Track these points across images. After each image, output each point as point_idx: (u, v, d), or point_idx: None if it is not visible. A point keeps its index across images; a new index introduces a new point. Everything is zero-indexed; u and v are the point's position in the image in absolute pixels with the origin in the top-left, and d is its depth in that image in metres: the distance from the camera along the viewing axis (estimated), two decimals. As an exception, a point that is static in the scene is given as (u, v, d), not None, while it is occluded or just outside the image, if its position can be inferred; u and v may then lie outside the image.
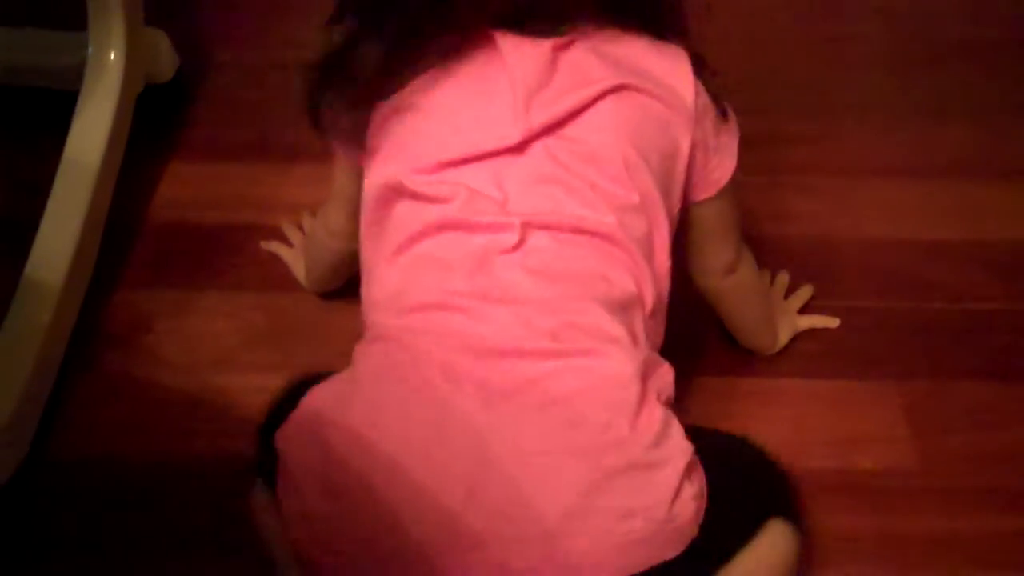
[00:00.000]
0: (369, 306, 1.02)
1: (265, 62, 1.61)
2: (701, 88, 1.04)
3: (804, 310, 1.31)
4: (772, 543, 0.98)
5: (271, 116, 1.53)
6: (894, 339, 1.30)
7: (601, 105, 1.00)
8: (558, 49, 1.01)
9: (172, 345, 1.27)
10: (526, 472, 0.89)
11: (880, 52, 1.69)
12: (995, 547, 1.13)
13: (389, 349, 0.96)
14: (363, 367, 0.97)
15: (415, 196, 1.00)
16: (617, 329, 0.95)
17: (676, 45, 1.04)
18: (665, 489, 0.89)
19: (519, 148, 0.99)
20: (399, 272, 1.00)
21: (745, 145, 1.08)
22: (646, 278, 0.99)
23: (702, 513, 0.91)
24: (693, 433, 0.95)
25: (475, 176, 0.99)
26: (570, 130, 1.00)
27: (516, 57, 1.00)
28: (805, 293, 1.32)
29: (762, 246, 1.27)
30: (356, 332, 1.04)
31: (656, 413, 0.92)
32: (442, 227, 0.98)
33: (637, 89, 1.01)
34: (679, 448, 0.91)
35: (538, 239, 0.97)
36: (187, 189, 1.45)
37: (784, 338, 1.27)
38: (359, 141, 1.05)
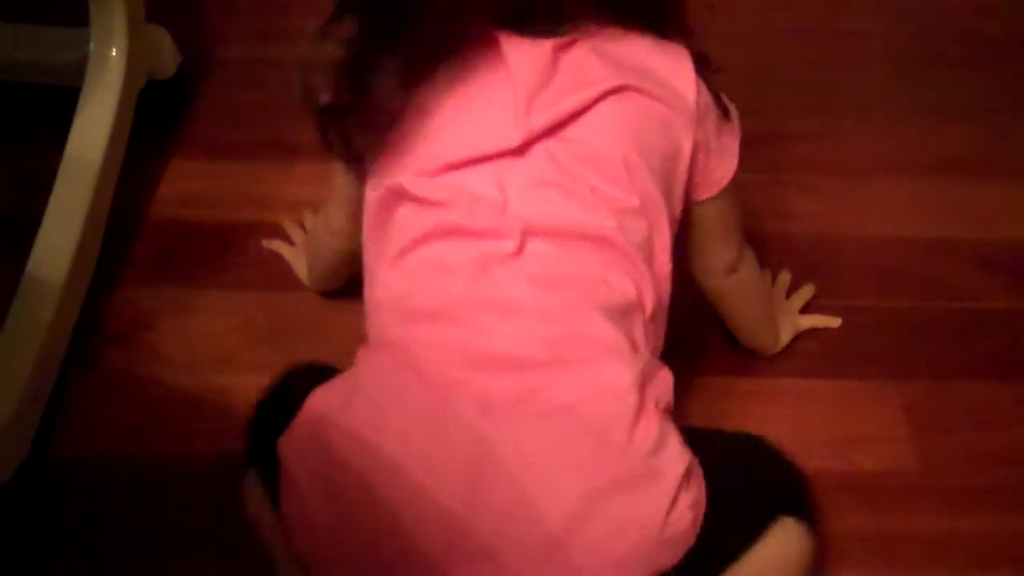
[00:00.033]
0: (372, 309, 1.02)
1: (267, 60, 1.61)
2: (703, 87, 1.04)
3: (805, 309, 1.31)
4: (781, 541, 0.98)
5: (273, 114, 1.53)
6: (894, 338, 1.30)
7: (602, 106, 1.00)
8: (559, 49, 1.00)
9: (173, 343, 1.27)
10: (526, 477, 0.89)
11: (881, 51, 1.69)
12: (995, 547, 1.13)
13: (391, 358, 0.96)
14: (365, 372, 0.97)
15: (416, 200, 1.00)
16: (616, 337, 0.95)
17: (678, 44, 1.04)
18: (661, 500, 0.89)
19: (520, 150, 0.99)
20: (401, 277, 1.00)
21: (746, 144, 1.08)
22: (646, 282, 0.99)
23: (700, 520, 0.91)
24: (699, 434, 0.96)
25: (476, 179, 0.98)
26: (571, 132, 0.99)
27: (517, 58, 1.00)
28: (807, 292, 1.32)
29: (763, 244, 1.27)
30: (358, 331, 1.05)
31: (653, 423, 0.92)
32: (443, 233, 0.98)
33: (638, 90, 1.01)
34: (676, 457, 0.91)
35: (537, 245, 0.97)
36: (189, 186, 1.45)
37: (786, 338, 1.27)
38: (370, 157, 1.05)
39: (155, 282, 1.34)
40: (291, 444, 0.96)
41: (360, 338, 1.04)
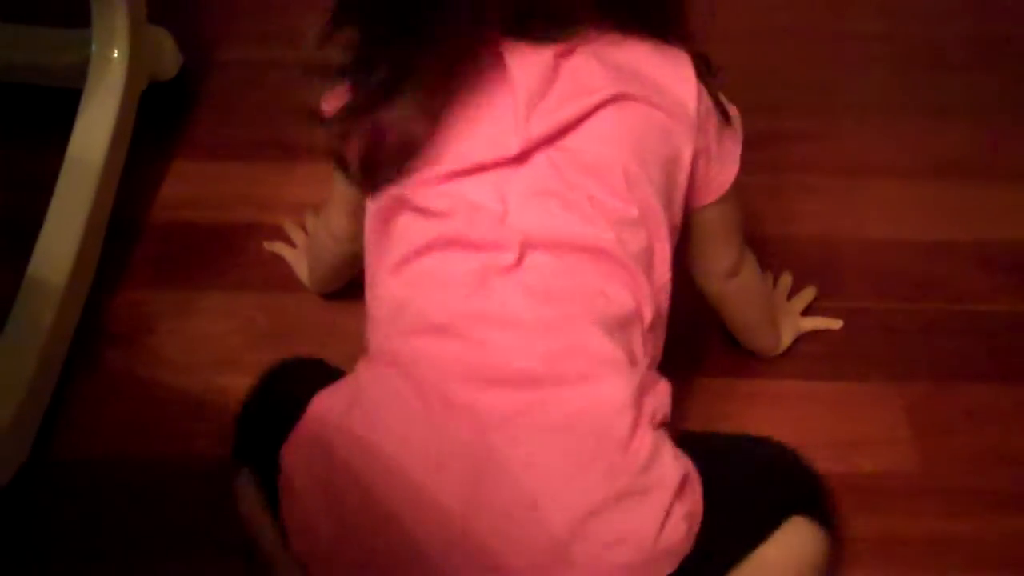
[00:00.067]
0: (372, 317, 1.03)
1: (269, 61, 1.61)
2: (704, 93, 1.03)
3: (806, 311, 1.31)
4: (792, 541, 0.98)
5: (274, 115, 1.52)
6: (895, 340, 1.30)
7: (602, 114, 0.99)
8: (560, 56, 1.00)
9: (174, 345, 1.27)
10: (528, 483, 0.90)
11: (882, 52, 1.69)
12: (996, 548, 1.13)
13: (391, 368, 0.96)
14: (366, 378, 0.98)
15: (417, 209, 0.99)
16: (614, 351, 0.95)
17: (679, 48, 1.03)
18: (655, 514, 0.90)
19: (519, 159, 0.98)
20: (401, 286, 1.00)
21: (746, 145, 1.08)
22: (645, 293, 0.99)
23: (696, 529, 0.92)
24: (707, 439, 0.97)
25: (477, 189, 0.98)
26: (570, 140, 0.99)
27: (518, 65, 0.99)
28: (808, 294, 1.32)
29: (764, 246, 1.27)
30: (359, 333, 1.05)
31: (647, 438, 0.92)
32: (443, 244, 0.98)
33: (638, 98, 1.00)
34: (670, 470, 0.92)
35: (536, 257, 0.97)
36: (190, 188, 1.45)
37: (787, 340, 1.27)
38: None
39: (156, 284, 1.34)
40: (293, 449, 0.97)
41: (361, 338, 1.04)
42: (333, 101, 1.03)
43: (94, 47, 1.36)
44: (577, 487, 0.90)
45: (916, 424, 1.22)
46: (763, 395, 1.24)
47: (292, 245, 1.36)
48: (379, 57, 0.99)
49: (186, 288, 1.33)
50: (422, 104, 0.97)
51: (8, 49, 1.48)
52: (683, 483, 0.92)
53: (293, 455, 0.97)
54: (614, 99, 0.99)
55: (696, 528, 0.92)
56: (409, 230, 1.00)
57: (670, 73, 1.02)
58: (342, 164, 1.04)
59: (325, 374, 1.04)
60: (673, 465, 0.92)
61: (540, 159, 0.99)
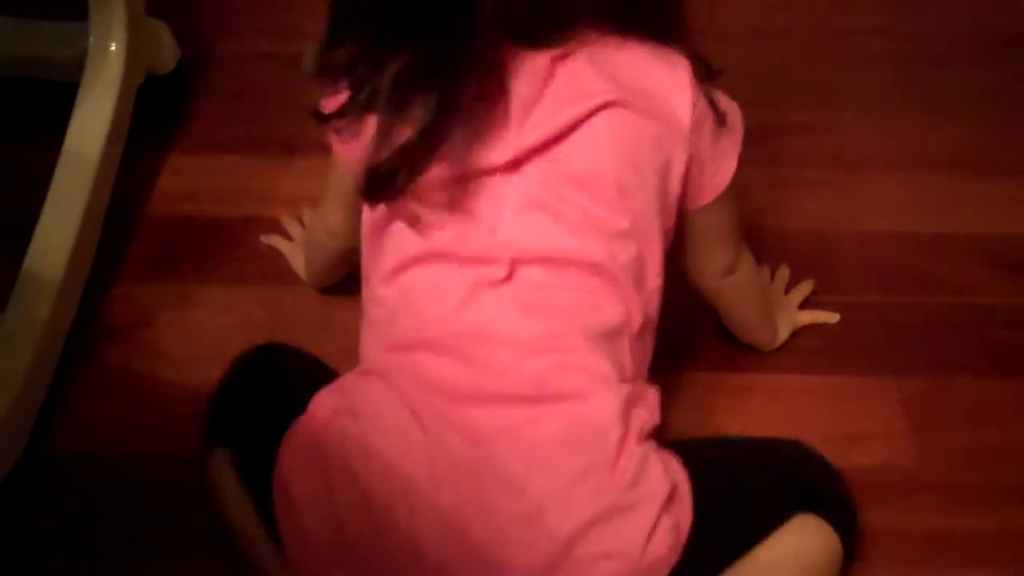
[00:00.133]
0: (366, 316, 1.04)
1: (266, 55, 1.61)
2: (700, 97, 1.02)
3: (803, 305, 1.31)
4: (788, 540, 0.99)
5: (272, 109, 1.53)
6: (893, 334, 1.30)
7: (594, 122, 0.98)
8: (556, 60, 0.98)
9: (172, 339, 1.27)
10: (518, 500, 0.92)
11: (881, 48, 1.69)
12: (994, 544, 1.13)
13: (382, 382, 0.98)
14: (360, 387, 0.99)
15: (411, 217, 0.99)
16: (603, 365, 0.96)
17: (677, 52, 1.02)
18: (641, 529, 0.92)
19: (512, 167, 0.98)
20: (392, 296, 1.01)
21: (746, 139, 1.07)
22: (635, 303, 1.00)
23: (684, 539, 0.94)
24: (704, 443, 0.97)
25: (470, 198, 0.98)
26: (563, 149, 0.98)
27: (514, 70, 0.97)
28: (806, 288, 1.32)
29: (762, 240, 1.27)
30: (356, 327, 1.06)
31: (634, 453, 0.94)
32: (434, 256, 0.98)
33: (631, 105, 0.99)
34: (657, 484, 0.93)
35: (526, 272, 0.97)
36: (188, 181, 1.45)
37: (784, 333, 1.27)
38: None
39: (154, 278, 1.34)
40: (291, 451, 0.98)
41: (358, 332, 1.05)
42: (332, 103, 1.02)
43: (91, 40, 1.36)
44: (566, 505, 0.91)
45: (914, 419, 1.22)
46: (760, 389, 1.24)
47: (289, 239, 1.36)
48: (376, 64, 0.98)
49: (183, 282, 1.33)
50: (418, 111, 0.96)
51: (5, 42, 1.48)
52: (671, 495, 0.94)
53: (290, 458, 0.98)
54: (607, 106, 0.98)
55: (684, 538, 0.94)
56: (402, 239, 1.00)
57: (666, 78, 1.01)
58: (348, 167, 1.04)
59: (303, 362, 1.07)
60: (660, 479, 0.94)
61: (532, 169, 0.98)
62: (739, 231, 1.14)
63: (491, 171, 0.97)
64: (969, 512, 1.15)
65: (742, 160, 1.07)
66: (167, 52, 1.49)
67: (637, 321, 1.00)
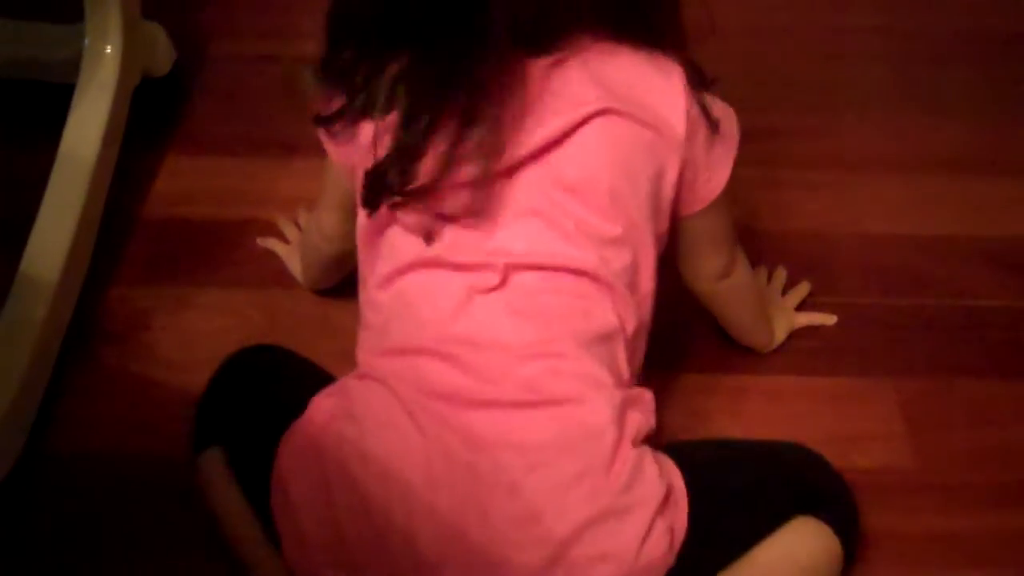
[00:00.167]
0: (363, 320, 1.04)
1: (263, 56, 1.61)
2: (693, 105, 1.01)
3: (802, 306, 1.31)
4: (785, 541, 1.00)
5: (269, 110, 1.52)
6: (892, 336, 1.30)
7: (587, 130, 0.98)
8: (552, 66, 0.98)
9: (169, 342, 1.27)
10: (515, 503, 0.92)
11: (881, 48, 1.69)
12: (994, 544, 1.13)
13: (379, 386, 0.98)
14: (358, 390, 0.99)
15: (406, 223, 0.99)
16: (596, 370, 0.97)
17: (672, 60, 1.01)
18: (635, 531, 0.92)
19: (506, 173, 0.98)
20: (388, 302, 1.01)
21: (744, 140, 1.07)
22: (628, 308, 1.00)
23: (680, 541, 0.94)
24: (702, 446, 0.97)
25: (466, 203, 0.97)
26: (556, 156, 0.98)
27: (510, 76, 0.96)
28: (803, 289, 1.32)
29: (760, 241, 1.27)
30: (353, 329, 1.06)
31: (629, 457, 0.94)
32: (429, 262, 0.99)
33: (624, 113, 0.99)
34: (651, 487, 0.94)
35: (519, 278, 0.97)
36: (184, 184, 1.45)
37: (781, 335, 1.27)
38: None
39: (151, 280, 1.34)
40: (289, 453, 0.98)
41: (355, 334, 1.05)
42: (329, 106, 1.02)
43: (87, 42, 1.36)
44: (561, 507, 0.92)
45: (912, 420, 1.22)
46: (757, 391, 1.24)
47: (285, 241, 1.36)
48: (375, 68, 0.98)
49: (180, 284, 1.33)
50: (418, 116, 0.96)
51: (1, 44, 1.47)
52: (666, 498, 0.94)
53: (288, 460, 0.98)
54: (600, 113, 0.98)
55: (680, 540, 0.94)
56: (398, 244, 1.01)
57: (660, 86, 1.01)
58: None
59: (292, 362, 1.08)
60: (656, 482, 0.94)
61: (526, 176, 0.98)
62: (733, 235, 1.14)
63: (488, 177, 0.97)
64: (969, 513, 1.15)
65: (740, 161, 1.07)
66: (163, 54, 1.48)
67: (631, 325, 1.00)
